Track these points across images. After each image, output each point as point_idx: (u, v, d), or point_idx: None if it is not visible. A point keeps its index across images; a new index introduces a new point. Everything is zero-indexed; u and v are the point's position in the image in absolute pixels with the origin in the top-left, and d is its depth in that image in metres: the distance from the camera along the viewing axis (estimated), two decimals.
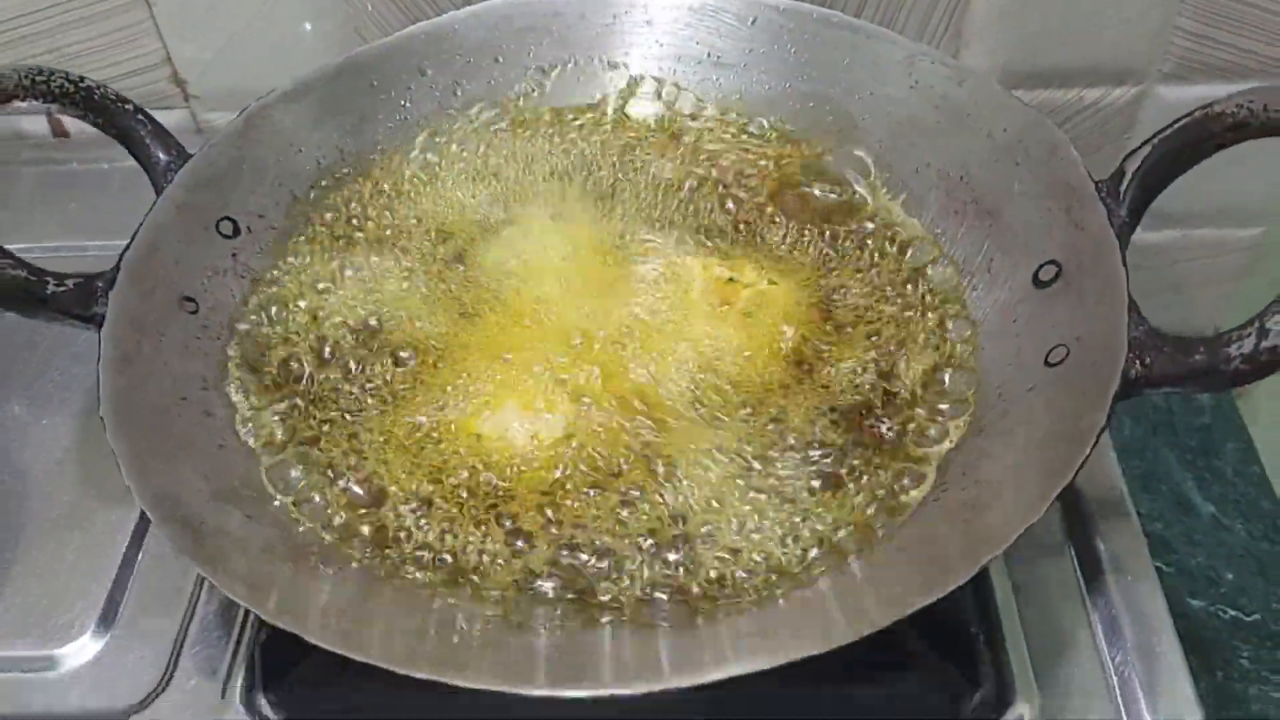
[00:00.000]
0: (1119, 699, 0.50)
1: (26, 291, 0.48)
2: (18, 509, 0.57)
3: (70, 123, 0.76)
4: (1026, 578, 0.53)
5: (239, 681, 0.50)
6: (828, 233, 0.57)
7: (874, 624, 0.39)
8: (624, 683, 0.38)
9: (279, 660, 0.50)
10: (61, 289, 0.48)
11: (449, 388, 0.51)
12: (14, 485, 0.58)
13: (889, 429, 0.50)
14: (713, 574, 0.46)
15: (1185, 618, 0.69)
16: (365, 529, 0.47)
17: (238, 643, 0.51)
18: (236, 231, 0.56)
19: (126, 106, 0.54)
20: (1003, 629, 0.51)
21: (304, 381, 0.52)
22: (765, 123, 0.62)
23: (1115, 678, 0.50)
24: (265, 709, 0.49)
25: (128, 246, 0.51)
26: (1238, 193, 0.77)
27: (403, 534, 0.47)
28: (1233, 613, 0.70)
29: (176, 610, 0.53)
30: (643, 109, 0.63)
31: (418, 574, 0.46)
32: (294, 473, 0.49)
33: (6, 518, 0.57)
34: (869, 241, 0.57)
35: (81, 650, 0.52)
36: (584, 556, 0.46)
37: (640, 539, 0.47)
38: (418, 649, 0.41)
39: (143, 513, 0.54)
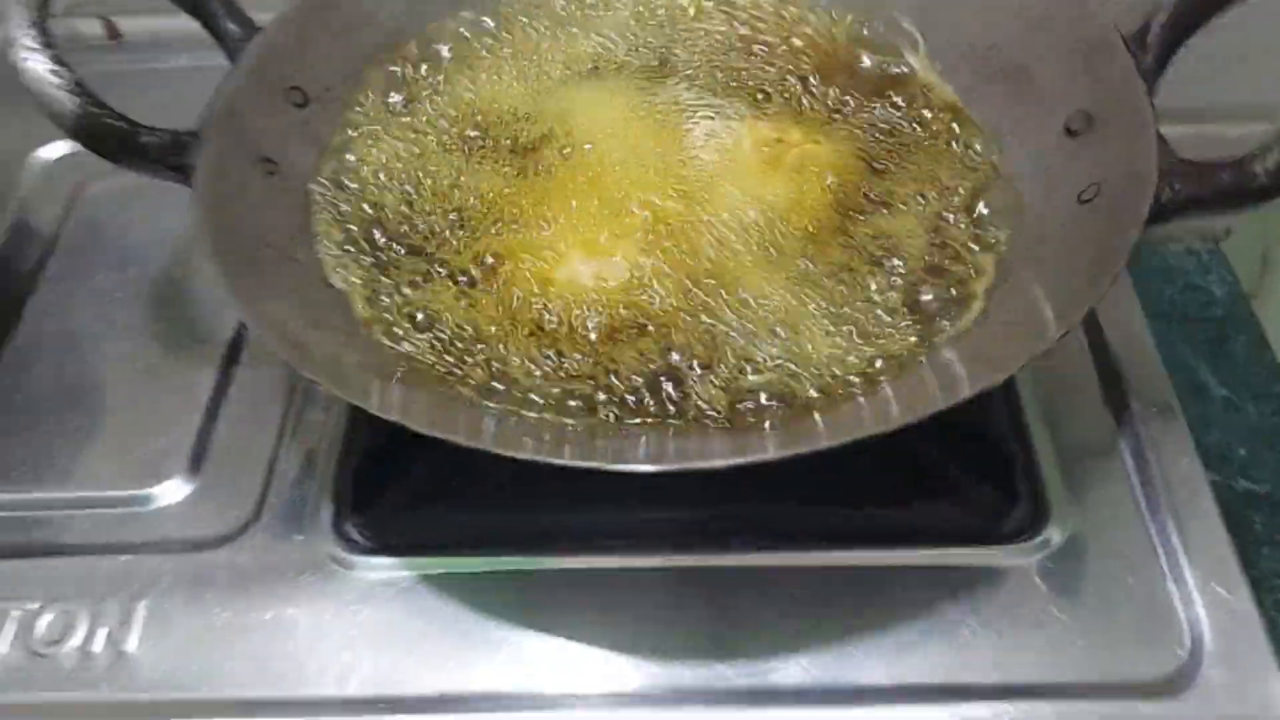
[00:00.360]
0: (1146, 518, 0.53)
1: (123, 140, 0.50)
2: (103, 366, 0.60)
3: (124, 24, 0.79)
4: (1057, 411, 0.56)
5: (327, 508, 0.53)
6: (870, 97, 0.61)
7: (931, 407, 0.42)
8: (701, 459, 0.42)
9: (364, 488, 0.53)
10: (154, 139, 0.51)
11: (515, 239, 0.54)
12: (98, 345, 0.61)
13: (935, 262, 0.53)
14: (779, 388, 0.49)
15: None
16: (440, 357, 0.50)
17: (324, 471, 0.54)
18: (306, 101, 0.59)
19: None
20: (1037, 454, 0.54)
21: (379, 237, 0.55)
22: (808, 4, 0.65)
23: (1143, 500, 0.54)
24: (353, 534, 0.52)
25: (209, 106, 0.54)
26: (1257, 86, 0.79)
27: (482, 365, 0.51)
28: (1245, 484, 0.73)
29: (263, 450, 0.56)
30: None
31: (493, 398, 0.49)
32: (382, 307, 0.52)
33: (94, 376, 0.60)
34: (911, 104, 0.60)
35: (174, 488, 0.55)
36: (657, 377, 0.50)
37: (704, 361, 0.50)
38: (513, 441, 0.44)
39: (224, 364, 0.59)
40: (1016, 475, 0.54)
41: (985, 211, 0.55)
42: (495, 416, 0.47)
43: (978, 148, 0.58)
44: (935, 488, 0.54)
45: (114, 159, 0.51)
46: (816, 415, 0.47)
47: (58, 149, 0.71)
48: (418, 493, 0.53)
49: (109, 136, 0.50)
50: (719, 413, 0.48)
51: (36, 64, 0.49)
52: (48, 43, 0.49)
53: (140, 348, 0.61)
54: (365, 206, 0.57)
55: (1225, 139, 0.82)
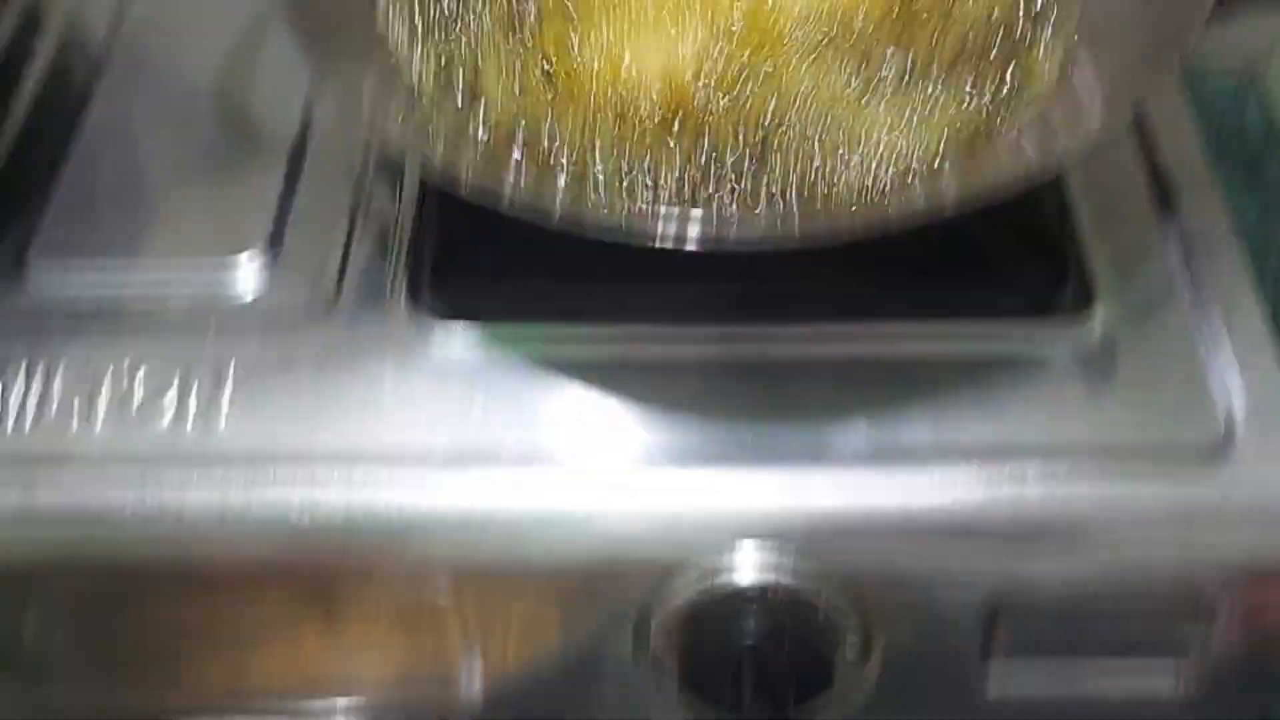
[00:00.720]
0: (1187, 302, 0.55)
1: None
2: (172, 152, 0.62)
3: None
4: (1102, 198, 0.58)
5: (407, 281, 0.55)
6: None
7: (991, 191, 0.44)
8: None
9: (446, 257, 0.56)
10: None
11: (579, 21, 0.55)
12: (163, 134, 0.63)
13: (999, 45, 0.54)
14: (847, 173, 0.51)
15: None
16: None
17: (402, 246, 0.56)
18: None
19: None
20: (1085, 240, 0.56)
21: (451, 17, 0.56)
22: None
23: (1186, 287, 0.55)
24: (435, 302, 0.54)
25: None
26: None
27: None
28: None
29: (338, 235, 0.57)
30: None
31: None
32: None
33: (164, 162, 0.62)
34: None
35: (253, 261, 0.56)
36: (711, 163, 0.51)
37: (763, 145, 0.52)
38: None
39: (292, 156, 0.60)
40: (1065, 258, 0.55)
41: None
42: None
43: None
44: (985, 267, 0.55)
45: None
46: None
47: None
48: (492, 266, 0.55)
49: None
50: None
51: None
52: None
53: (209, 137, 0.63)
54: None
55: None
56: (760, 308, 0.53)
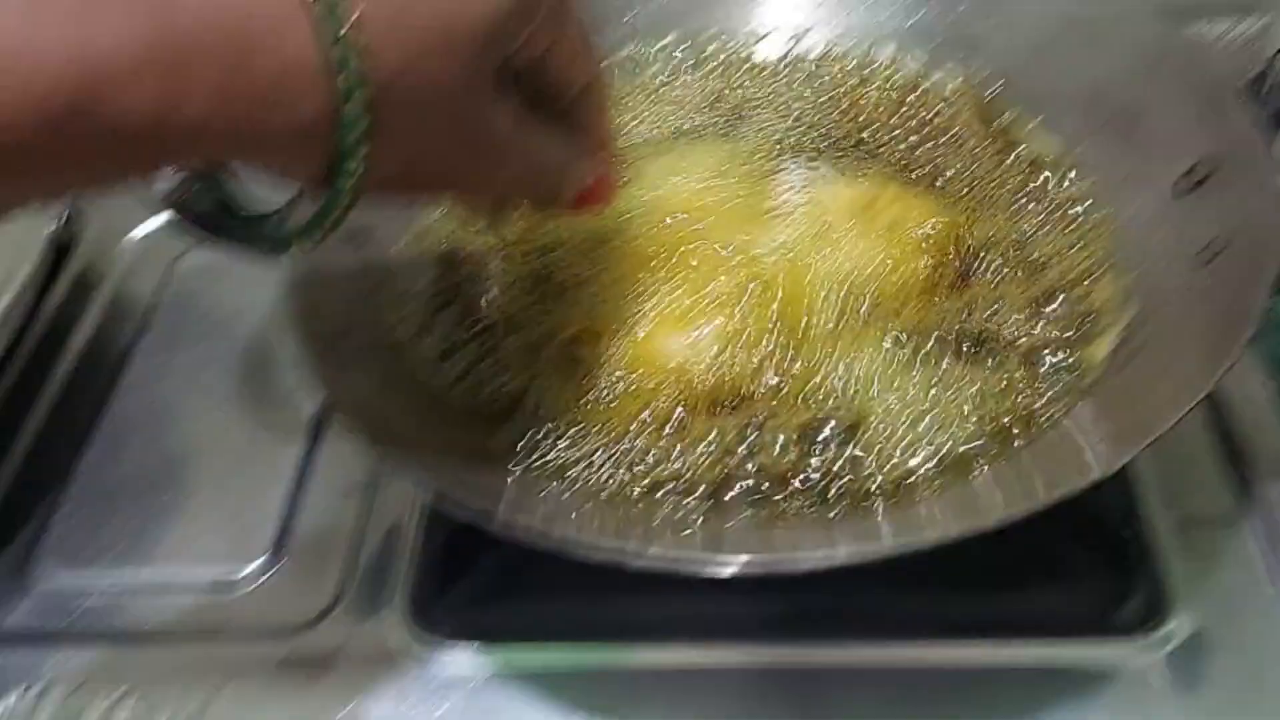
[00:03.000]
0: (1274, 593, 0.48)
1: (217, 217, 0.51)
2: (187, 449, 0.61)
3: None
4: (1178, 485, 0.52)
5: (409, 594, 0.52)
6: (966, 157, 0.58)
7: (1042, 500, 0.39)
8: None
9: (447, 574, 0.53)
10: (248, 215, 0.51)
11: (600, 304, 0.53)
12: (182, 428, 0.62)
13: (1043, 333, 0.50)
14: (878, 467, 0.47)
15: None
16: (518, 434, 0.49)
17: (406, 556, 0.53)
18: None
19: None
20: (1156, 535, 0.50)
21: (461, 300, 0.55)
22: (899, 55, 0.63)
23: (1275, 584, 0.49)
24: (434, 620, 0.51)
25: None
26: None
27: (559, 446, 0.49)
28: None
29: (344, 535, 0.55)
30: (771, 50, 0.65)
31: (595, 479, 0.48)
32: (460, 372, 0.51)
33: (178, 458, 0.60)
34: (1008, 161, 0.58)
35: (255, 573, 0.54)
36: (750, 454, 0.48)
37: (801, 435, 0.48)
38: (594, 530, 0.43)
39: (309, 443, 0.59)
40: (1132, 558, 0.50)
41: (1096, 275, 0.52)
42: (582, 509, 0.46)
43: (1086, 203, 0.55)
44: (1041, 573, 0.50)
45: (210, 233, 0.51)
46: (922, 502, 0.44)
47: (152, 225, 0.72)
48: (499, 580, 0.52)
49: (207, 211, 0.50)
50: (814, 496, 0.46)
51: None
52: None
53: (228, 423, 0.61)
54: (446, 271, 0.56)
55: None
56: (787, 625, 0.48)
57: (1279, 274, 0.43)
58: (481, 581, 0.52)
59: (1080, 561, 0.51)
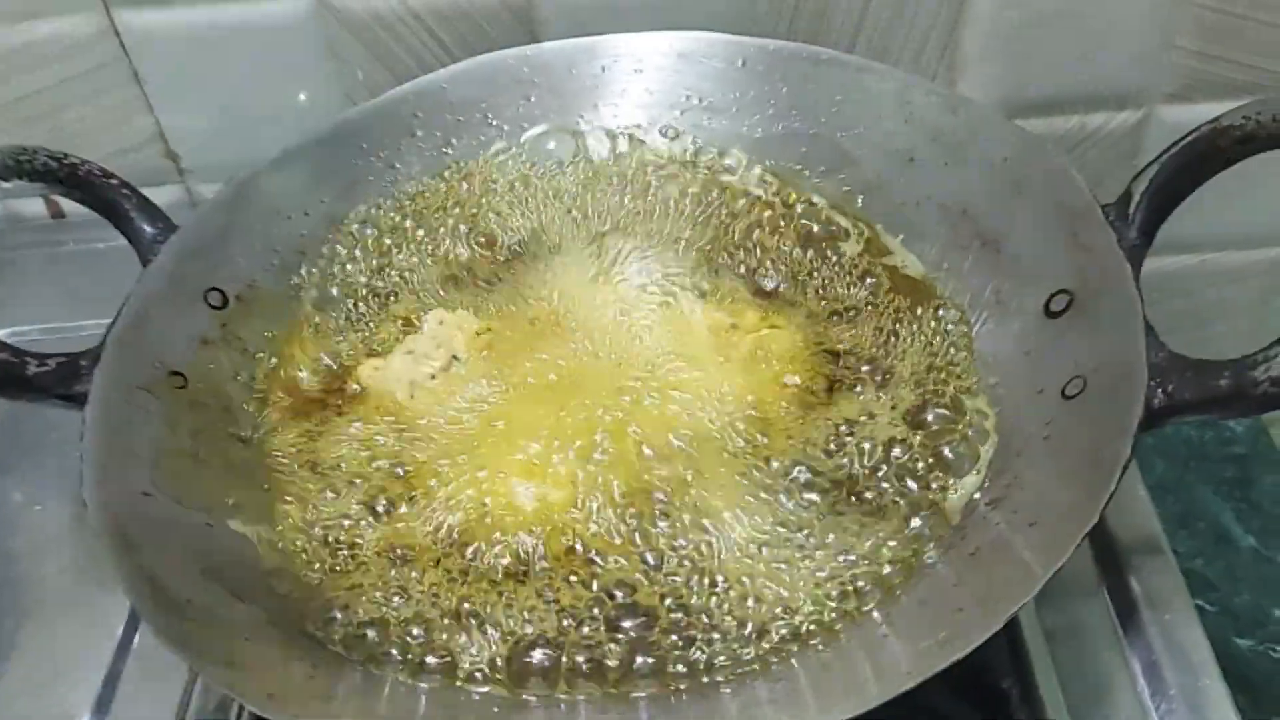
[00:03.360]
0: None
1: (8, 373, 0.47)
2: (14, 594, 0.56)
3: (66, 204, 0.76)
4: (1059, 621, 0.51)
5: None
6: (829, 274, 0.56)
7: (903, 685, 0.36)
8: None
9: None
10: (44, 369, 0.47)
11: (446, 457, 0.49)
12: (9, 571, 0.57)
13: (902, 478, 0.47)
14: (726, 635, 0.43)
15: (1232, 658, 0.66)
16: (358, 616, 0.45)
17: None
18: (225, 302, 0.55)
19: (111, 181, 0.54)
20: (1036, 677, 0.48)
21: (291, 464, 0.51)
22: (760, 165, 0.61)
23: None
24: None
25: (114, 320, 0.50)
26: (1254, 216, 0.75)
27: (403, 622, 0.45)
28: None
29: (173, 694, 0.51)
30: (635, 158, 0.62)
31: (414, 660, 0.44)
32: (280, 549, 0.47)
33: (6, 599, 0.55)
34: (870, 281, 0.55)
35: None
36: (594, 626, 0.44)
37: (651, 600, 0.45)
38: None
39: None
40: (1014, 707, 0.47)
41: (961, 409, 0.49)
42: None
43: (950, 329, 0.53)
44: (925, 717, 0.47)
45: (0, 394, 0.47)
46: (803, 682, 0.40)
47: None
48: None
49: None
50: (673, 675, 0.43)
51: None
52: None
53: (56, 568, 0.57)
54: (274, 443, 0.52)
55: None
56: None
57: (1140, 422, 0.41)
58: None
59: (963, 710, 0.48)
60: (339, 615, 0.45)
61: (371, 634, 0.44)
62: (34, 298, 0.73)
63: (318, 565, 0.47)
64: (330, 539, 0.48)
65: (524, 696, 0.42)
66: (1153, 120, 0.71)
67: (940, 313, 0.53)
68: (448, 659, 0.43)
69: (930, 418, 0.49)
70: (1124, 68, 0.69)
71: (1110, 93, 0.70)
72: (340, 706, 0.40)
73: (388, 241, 0.59)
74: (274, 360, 0.55)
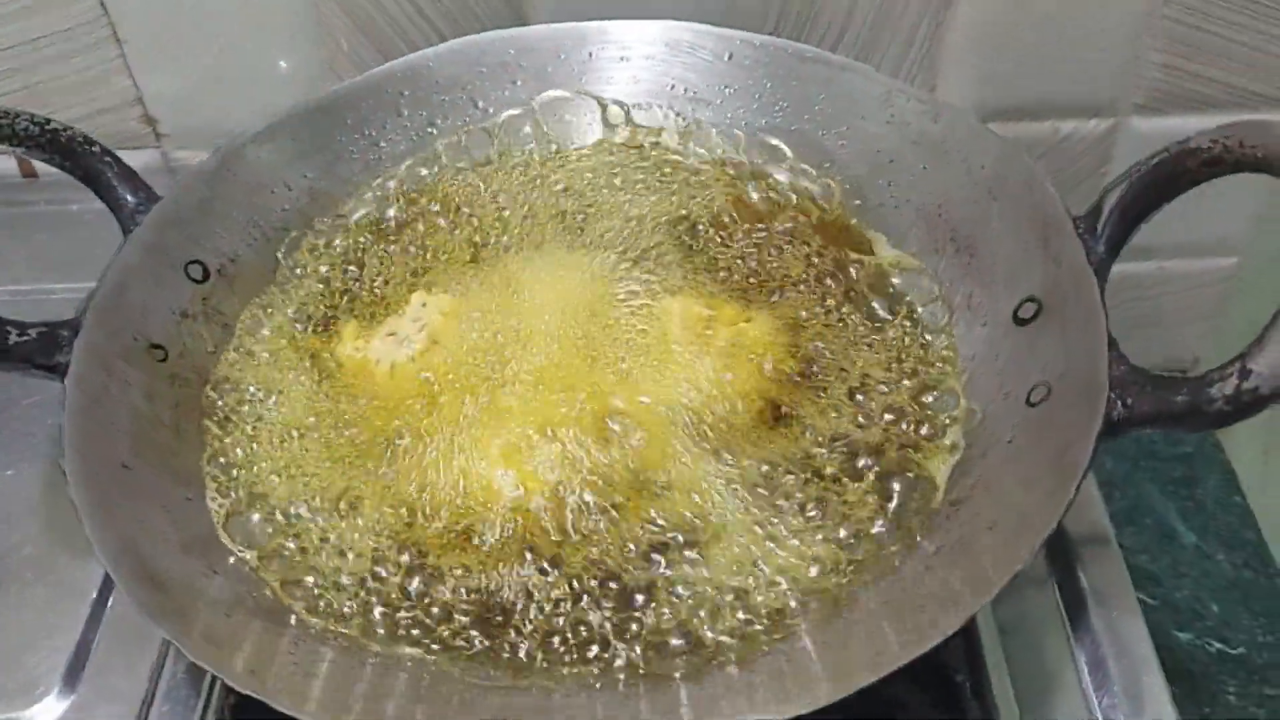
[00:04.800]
0: None
1: None
2: None
3: (39, 163, 0.75)
4: (1011, 614, 0.53)
5: None
6: (805, 266, 0.57)
7: (858, 681, 0.38)
8: None
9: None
10: (24, 339, 0.47)
11: (428, 437, 0.50)
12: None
13: (871, 474, 0.49)
14: (690, 625, 0.45)
15: (1171, 650, 0.69)
16: (333, 591, 0.46)
17: (207, 701, 0.50)
18: (207, 275, 0.55)
19: (93, 149, 0.54)
20: (988, 669, 0.50)
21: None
22: (743, 158, 0.62)
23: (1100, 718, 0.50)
24: None
25: (94, 290, 0.50)
26: (1212, 224, 0.77)
27: (380, 600, 0.46)
28: (1218, 645, 0.70)
29: (144, 666, 0.51)
30: (619, 146, 0.63)
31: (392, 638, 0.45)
32: (255, 527, 0.48)
33: None
34: (849, 275, 0.56)
35: (46, 711, 0.50)
36: (568, 609, 0.46)
37: (625, 591, 0.46)
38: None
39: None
40: (965, 699, 0.49)
41: (931, 410, 0.51)
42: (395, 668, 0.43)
43: (928, 326, 0.54)
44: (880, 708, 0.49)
45: None
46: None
47: None
48: None
49: None
50: (639, 657, 0.44)
51: None
52: None
53: (21, 540, 0.57)
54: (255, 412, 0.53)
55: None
56: None
57: (1099, 433, 0.43)
58: None
59: (916, 701, 0.50)
60: (317, 590, 0.46)
61: (350, 607, 0.45)
62: (3, 259, 0.72)
63: (294, 539, 0.48)
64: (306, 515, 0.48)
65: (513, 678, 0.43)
66: (1123, 129, 0.73)
67: (919, 312, 0.55)
68: (428, 633, 0.44)
69: (902, 416, 0.51)
70: (1098, 77, 0.71)
71: (1083, 101, 0.72)
72: (321, 682, 0.40)
73: (371, 222, 0.60)
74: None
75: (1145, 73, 0.70)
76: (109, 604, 0.54)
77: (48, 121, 0.53)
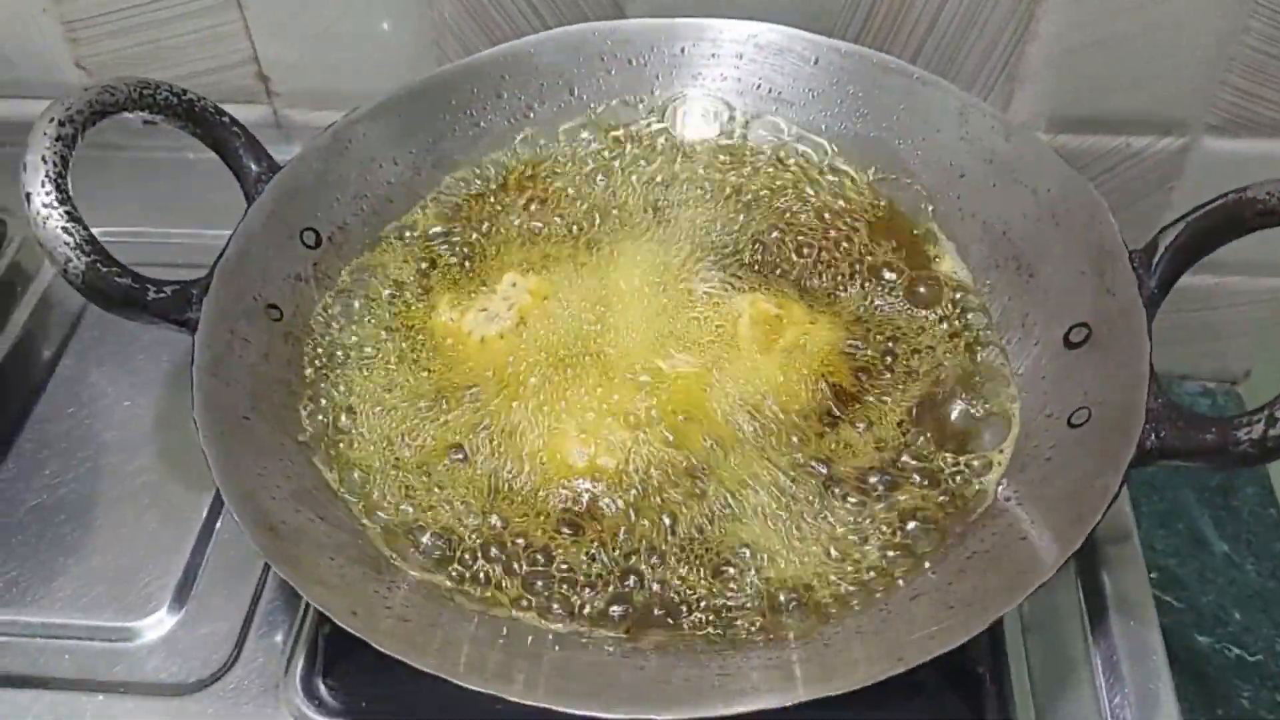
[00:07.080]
0: None
1: (129, 298, 0.52)
2: (100, 483, 0.61)
3: None
4: (1035, 611, 0.56)
5: (300, 665, 0.54)
6: (872, 272, 0.60)
7: (892, 668, 0.42)
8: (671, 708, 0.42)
9: (340, 648, 0.54)
10: (161, 296, 0.52)
11: (508, 415, 0.55)
12: (101, 460, 0.62)
13: (916, 478, 0.53)
14: (748, 605, 0.49)
15: (1191, 653, 0.71)
16: (426, 543, 0.51)
17: (301, 625, 0.55)
18: (319, 242, 0.60)
19: (224, 119, 0.58)
20: (1009, 664, 0.54)
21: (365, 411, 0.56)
22: (825, 161, 0.65)
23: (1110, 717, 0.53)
24: (323, 694, 0.53)
25: (221, 254, 0.55)
26: (1271, 244, 0.78)
27: (466, 553, 0.51)
28: (1237, 651, 0.73)
29: (247, 589, 0.57)
30: (704, 141, 0.66)
31: (477, 591, 0.50)
32: (355, 480, 0.53)
33: (89, 492, 0.61)
34: (914, 285, 0.60)
35: (156, 624, 0.56)
36: (643, 581, 0.50)
37: (688, 567, 0.51)
38: (477, 660, 0.45)
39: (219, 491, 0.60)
40: (985, 691, 0.53)
41: (981, 423, 0.54)
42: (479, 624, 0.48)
43: (984, 340, 0.57)
44: (904, 693, 0.53)
45: (119, 313, 0.52)
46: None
47: None
48: (389, 661, 0.54)
49: (115, 294, 0.51)
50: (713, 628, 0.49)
51: (51, 220, 0.50)
52: (63, 199, 0.51)
53: (142, 462, 0.62)
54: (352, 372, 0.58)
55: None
56: None
57: (1130, 460, 0.46)
58: (373, 655, 0.54)
59: (938, 689, 0.53)
60: (424, 541, 0.51)
61: (445, 560, 0.50)
62: (123, 200, 0.76)
63: (392, 495, 0.53)
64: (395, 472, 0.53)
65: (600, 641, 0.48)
66: (1194, 149, 0.74)
67: (975, 325, 0.58)
68: (527, 595, 0.49)
69: (952, 426, 0.54)
70: (1173, 97, 0.72)
71: (1158, 119, 0.73)
72: (417, 630, 0.46)
73: (468, 200, 0.64)
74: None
75: (1220, 95, 0.71)
76: (215, 530, 0.59)
77: (185, 92, 0.57)
